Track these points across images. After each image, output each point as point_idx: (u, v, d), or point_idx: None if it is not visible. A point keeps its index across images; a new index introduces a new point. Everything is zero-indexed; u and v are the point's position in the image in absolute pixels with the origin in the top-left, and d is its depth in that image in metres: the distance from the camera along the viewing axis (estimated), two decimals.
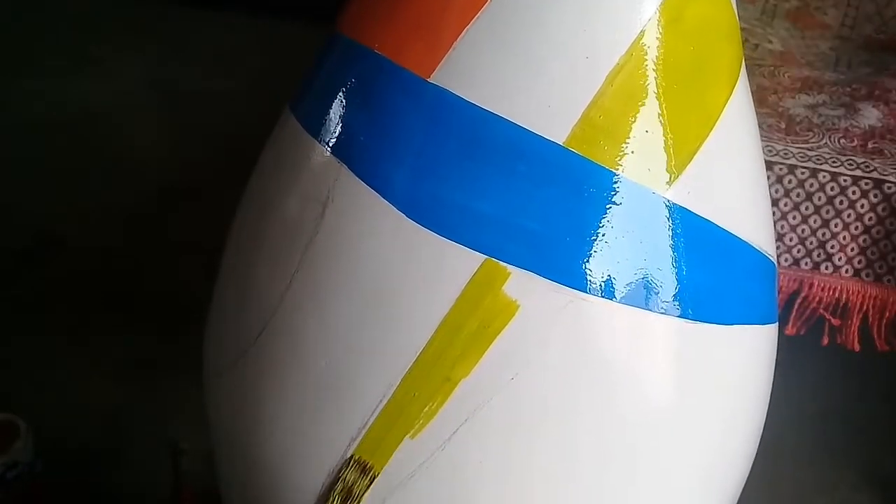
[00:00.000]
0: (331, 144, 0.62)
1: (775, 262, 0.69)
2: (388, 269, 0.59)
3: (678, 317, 0.60)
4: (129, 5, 2.35)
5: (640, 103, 0.58)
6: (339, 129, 0.62)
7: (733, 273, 0.64)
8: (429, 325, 0.59)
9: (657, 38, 0.58)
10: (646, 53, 0.58)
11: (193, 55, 2.22)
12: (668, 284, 0.60)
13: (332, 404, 0.62)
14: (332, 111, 0.63)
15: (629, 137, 0.58)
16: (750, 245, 0.64)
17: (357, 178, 0.60)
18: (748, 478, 0.74)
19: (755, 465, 0.74)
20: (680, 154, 0.60)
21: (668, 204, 0.59)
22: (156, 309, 1.51)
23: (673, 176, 0.59)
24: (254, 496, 0.69)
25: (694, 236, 0.61)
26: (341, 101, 0.62)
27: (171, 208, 1.73)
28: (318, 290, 0.62)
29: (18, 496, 1.06)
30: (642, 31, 0.58)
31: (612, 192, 0.58)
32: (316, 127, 0.63)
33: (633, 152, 0.58)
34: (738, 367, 0.66)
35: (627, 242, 0.59)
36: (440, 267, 0.58)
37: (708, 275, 0.62)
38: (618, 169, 0.58)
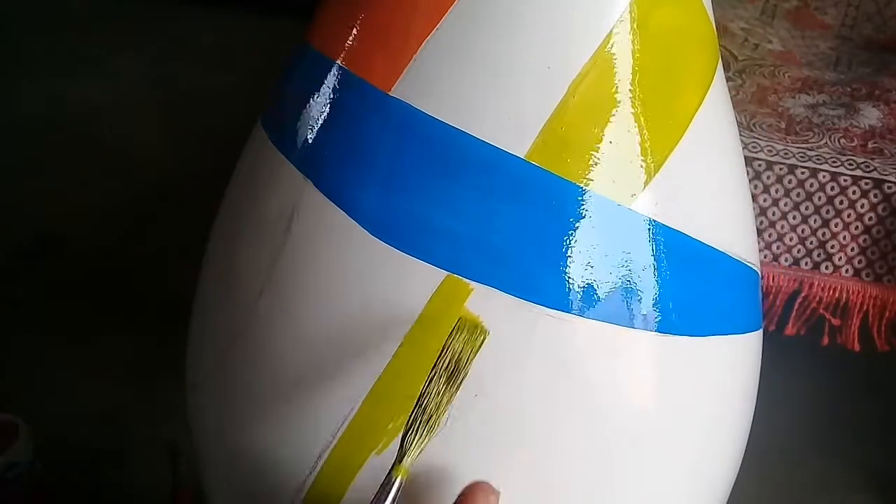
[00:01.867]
0: (296, 159, 0.61)
1: (757, 269, 0.68)
2: (352, 286, 0.58)
3: (650, 330, 0.59)
4: (129, 5, 2.35)
5: (603, 113, 0.56)
6: (302, 142, 0.61)
7: (707, 284, 0.62)
8: (392, 342, 0.57)
9: (621, 47, 0.56)
10: (609, 62, 0.56)
11: (193, 54, 2.22)
12: (637, 298, 0.58)
13: (300, 421, 0.60)
14: (296, 124, 0.61)
15: (593, 149, 0.56)
16: (725, 254, 0.63)
17: (321, 194, 0.59)
18: (746, 477, 0.74)
19: (753, 465, 0.73)
20: (646, 165, 0.58)
21: (634, 216, 0.58)
22: (156, 309, 1.51)
23: (640, 188, 0.58)
24: None
25: (664, 248, 0.59)
26: (305, 114, 0.61)
27: (170, 208, 1.73)
28: (285, 305, 0.61)
29: (18, 496, 1.06)
30: (605, 40, 0.56)
31: (577, 206, 0.56)
32: (281, 140, 0.62)
33: (597, 164, 0.56)
34: (718, 378, 0.65)
35: (593, 256, 0.57)
36: (403, 283, 0.57)
37: (681, 287, 0.60)
38: (582, 182, 0.56)
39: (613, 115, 0.57)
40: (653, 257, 0.59)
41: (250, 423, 0.63)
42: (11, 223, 1.68)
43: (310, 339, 0.60)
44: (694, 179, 0.61)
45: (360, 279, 0.58)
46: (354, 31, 0.60)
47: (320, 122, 0.60)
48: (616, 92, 0.57)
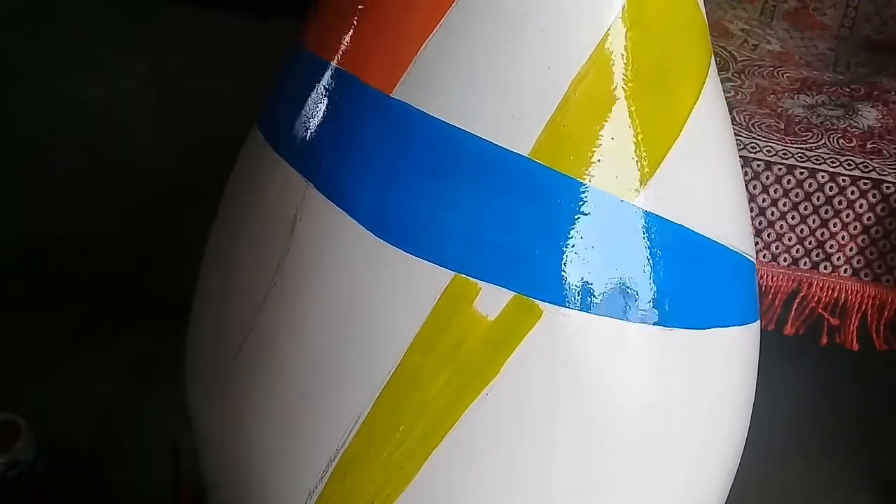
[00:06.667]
0: (297, 163, 0.61)
1: (753, 260, 0.69)
2: (358, 288, 0.58)
3: (654, 324, 0.60)
4: (129, 6, 2.35)
5: (604, 111, 0.57)
6: (304, 146, 0.61)
7: (708, 276, 0.63)
8: (401, 344, 0.57)
9: (618, 46, 0.57)
10: (608, 61, 0.57)
11: (193, 55, 2.22)
12: (641, 292, 0.59)
13: (310, 424, 0.61)
14: (296, 128, 0.61)
15: (595, 146, 0.57)
16: (724, 246, 0.64)
17: (324, 197, 0.59)
18: (749, 477, 0.74)
19: (756, 466, 0.74)
20: (648, 160, 0.59)
21: (637, 211, 0.58)
22: (156, 309, 1.50)
23: (641, 182, 0.58)
24: None
25: (666, 242, 0.60)
26: (305, 118, 0.61)
27: (170, 208, 1.73)
28: (291, 310, 0.61)
29: (19, 495, 1.06)
30: (603, 39, 0.57)
31: (580, 202, 0.57)
32: (281, 144, 0.62)
33: (599, 161, 0.57)
34: (717, 370, 0.65)
35: (598, 252, 0.58)
36: (410, 284, 0.57)
37: (682, 280, 0.61)
38: (584, 178, 0.57)
39: (614, 111, 0.58)
40: (655, 252, 0.59)
41: (259, 428, 0.63)
42: (11, 223, 1.68)
43: (317, 344, 0.60)
44: (693, 173, 0.62)
45: (365, 281, 0.58)
46: (353, 34, 0.60)
47: (321, 125, 0.60)
48: (616, 89, 0.58)
